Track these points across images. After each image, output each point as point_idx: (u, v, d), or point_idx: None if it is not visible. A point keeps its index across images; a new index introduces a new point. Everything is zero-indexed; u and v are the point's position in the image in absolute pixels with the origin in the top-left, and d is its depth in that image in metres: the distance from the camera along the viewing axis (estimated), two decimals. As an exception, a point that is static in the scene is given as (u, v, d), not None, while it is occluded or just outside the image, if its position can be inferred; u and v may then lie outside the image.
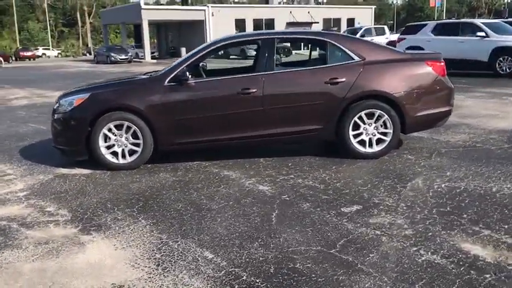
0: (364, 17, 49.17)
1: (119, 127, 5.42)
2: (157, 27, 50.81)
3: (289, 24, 43.06)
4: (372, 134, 5.49)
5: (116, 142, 5.46)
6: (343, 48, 5.52)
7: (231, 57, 35.37)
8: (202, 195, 4.51)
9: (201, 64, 6.68)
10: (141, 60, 40.93)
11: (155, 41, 55.06)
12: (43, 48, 70.70)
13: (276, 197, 4.37)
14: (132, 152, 5.51)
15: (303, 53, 36.09)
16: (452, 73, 15.85)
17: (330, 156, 5.68)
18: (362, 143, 5.51)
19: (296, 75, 5.52)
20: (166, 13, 41.54)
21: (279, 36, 5.73)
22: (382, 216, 3.80)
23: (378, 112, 5.41)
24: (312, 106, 5.40)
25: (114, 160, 5.50)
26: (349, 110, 5.39)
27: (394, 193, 4.33)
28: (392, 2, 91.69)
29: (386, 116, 5.41)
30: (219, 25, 40.32)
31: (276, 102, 5.38)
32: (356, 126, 5.47)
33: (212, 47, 5.62)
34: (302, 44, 37.82)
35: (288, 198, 4.31)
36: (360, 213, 3.88)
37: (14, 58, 55.72)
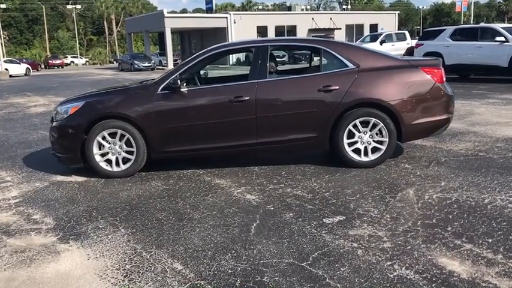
0: (388, 22, 48.64)
1: (112, 135, 5.46)
2: (181, 35, 51.38)
3: (311, 31, 42.94)
4: (367, 143, 5.38)
5: (110, 150, 5.49)
6: (337, 55, 5.43)
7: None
8: (188, 204, 4.48)
9: (202, 72, 6.76)
10: (164, 67, 41.40)
11: (179, 48, 55.70)
12: (71, 56, 72.41)
13: (260, 206, 4.30)
14: (126, 160, 5.53)
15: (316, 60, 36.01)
16: (472, 79, 15.62)
17: (326, 165, 5.58)
18: (357, 151, 5.40)
19: (289, 83, 5.46)
20: (188, 21, 41.98)
21: (272, 44, 5.68)
22: (363, 228, 3.69)
23: (373, 120, 5.29)
24: (305, 114, 5.32)
25: (108, 168, 5.53)
26: (344, 118, 5.30)
27: (382, 204, 4.21)
28: (418, 7, 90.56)
29: (381, 124, 5.29)
30: (241, 32, 40.49)
31: (268, 110, 5.32)
32: (351, 135, 5.36)
33: (205, 55, 5.60)
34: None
35: (272, 208, 4.23)
36: (341, 225, 3.78)
37: (43, 66, 57.19)
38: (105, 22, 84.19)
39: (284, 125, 5.37)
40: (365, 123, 5.34)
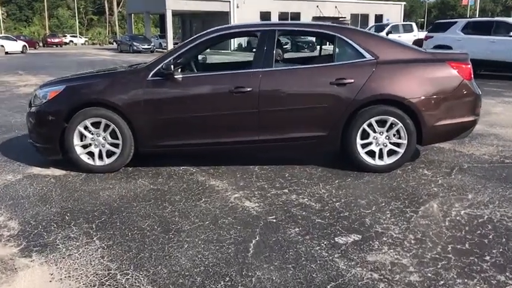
0: (393, 13, 47.71)
1: (96, 125, 4.83)
2: (182, 18, 50.38)
3: (315, 18, 42.02)
4: (383, 145, 4.76)
5: (92, 141, 4.87)
6: (354, 45, 4.78)
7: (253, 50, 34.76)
8: (177, 210, 3.86)
9: (200, 57, 6.11)
10: (163, 50, 40.53)
11: (180, 31, 54.69)
12: (71, 36, 71.20)
13: (261, 217, 3.69)
14: (110, 154, 4.91)
15: (329, 48, 35.23)
16: (483, 75, 14.92)
17: (335, 167, 4.97)
18: (371, 154, 4.79)
19: (297, 74, 4.82)
20: (190, 3, 40.98)
21: (280, 29, 5.01)
22: (383, 252, 3.08)
23: (390, 119, 4.67)
24: (315, 110, 4.69)
25: (90, 161, 4.91)
26: (358, 116, 4.67)
27: (402, 220, 3.61)
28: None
29: (400, 125, 4.67)
30: (243, 17, 39.56)
31: (273, 103, 4.69)
32: (365, 135, 4.74)
33: (203, 38, 4.95)
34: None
35: (274, 220, 3.62)
36: (357, 246, 3.17)
37: (41, 44, 56.12)
38: (105, 1, 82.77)
39: (290, 122, 4.74)
40: (381, 123, 4.72)
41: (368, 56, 4.73)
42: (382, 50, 4.78)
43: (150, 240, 3.31)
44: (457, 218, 3.64)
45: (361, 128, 4.70)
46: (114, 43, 62.93)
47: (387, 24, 27.94)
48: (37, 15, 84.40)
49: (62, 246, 3.23)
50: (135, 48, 37.79)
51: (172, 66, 4.63)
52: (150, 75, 4.77)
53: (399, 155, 4.77)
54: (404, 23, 29.63)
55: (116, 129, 4.79)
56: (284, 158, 5.33)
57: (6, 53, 35.15)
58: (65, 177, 4.81)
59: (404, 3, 51.53)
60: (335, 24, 5.17)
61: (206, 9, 41.20)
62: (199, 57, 6.12)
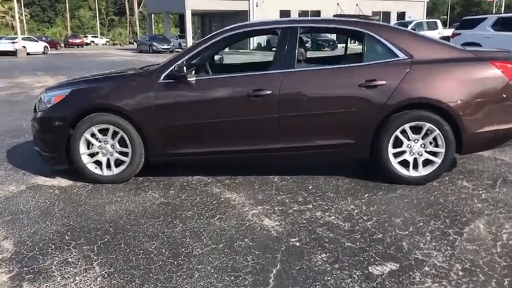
0: (416, 10, 46.67)
1: (103, 132, 4.46)
2: (202, 17, 50.17)
3: (336, 16, 41.26)
4: (418, 154, 4.28)
5: (100, 150, 4.50)
6: (385, 42, 4.31)
7: (273, 49, 34.27)
8: (188, 230, 3.45)
9: (217, 57, 5.71)
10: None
11: (200, 31, 54.54)
12: (92, 36, 71.79)
13: (282, 239, 3.26)
14: (119, 163, 4.54)
15: (352, 47, 34.48)
16: None
17: (364, 178, 4.50)
18: (404, 164, 4.31)
19: (322, 75, 4.36)
20: (209, 2, 40.72)
21: (303, 25, 4.56)
22: None
23: (427, 126, 4.19)
24: (342, 115, 4.24)
25: (97, 171, 4.55)
26: (390, 122, 4.21)
27: (446, 244, 3.14)
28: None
29: (437, 131, 4.18)
30: (263, 16, 39.13)
31: (295, 108, 4.26)
32: (397, 143, 4.27)
33: (219, 37, 4.53)
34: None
35: (298, 244, 3.19)
36: (396, 278, 2.72)
37: (63, 45, 56.64)
38: (126, 2, 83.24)
39: (313, 128, 4.30)
40: (416, 129, 4.24)
41: (401, 55, 4.26)
42: (416, 48, 4.30)
43: (156, 267, 2.91)
44: (510, 242, 3.15)
45: (394, 135, 4.23)
46: (134, 43, 63.24)
47: (410, 22, 27.17)
48: (59, 16, 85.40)
49: (57, 274, 2.86)
50: (154, 48, 37.68)
51: (185, 68, 4.23)
52: (162, 78, 4.38)
53: (436, 166, 4.28)
54: (429, 20, 28.83)
55: (125, 137, 4.42)
56: (307, 167, 4.89)
57: (28, 53, 35.39)
58: (70, 188, 4.46)
59: (428, 0, 50.40)
60: (363, 20, 4.70)
61: (225, 9, 40.87)
62: (216, 57, 5.74)
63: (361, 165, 4.81)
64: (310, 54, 18.52)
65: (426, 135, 4.24)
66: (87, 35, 72.23)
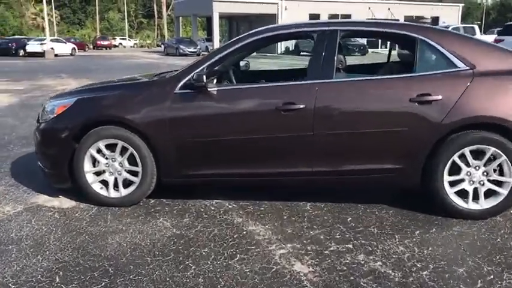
0: (450, 15, 45.27)
1: (111, 148, 3.90)
2: (229, 21, 49.85)
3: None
4: (479, 183, 3.58)
5: (106, 168, 3.95)
6: (442, 50, 3.62)
7: (301, 53, 33.56)
8: (202, 274, 2.84)
9: (242, 63, 5.13)
10: (209, 53, 40.05)
11: (227, 34, 54.24)
12: (120, 38, 72.33)
13: (317, 293, 2.61)
14: (127, 183, 3.97)
15: (382, 52, 33.44)
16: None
17: (411, 208, 3.82)
18: (462, 194, 3.62)
19: (366, 87, 3.70)
20: (237, 6, 40.31)
21: (344, 28, 3.90)
22: None
23: (491, 150, 3.49)
24: (388, 135, 3.58)
25: (103, 192, 3.99)
26: (446, 144, 3.52)
27: (529, 310, 2.44)
28: (481, 0, 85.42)
29: (504, 157, 3.48)
30: (291, 20, 38.47)
31: (332, 125, 3.61)
32: (455, 169, 3.58)
33: (244, 42, 3.91)
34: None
35: (337, 301, 2.54)
36: None
37: (91, 47, 57.09)
38: (155, 5, 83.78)
39: (354, 150, 3.65)
40: (478, 154, 3.54)
41: (461, 65, 3.57)
42: (480, 57, 3.60)
43: (158, 330, 2.30)
44: None
45: (451, 160, 3.54)
46: (162, 46, 63.42)
47: (446, 27, 26.12)
48: (89, 19, 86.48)
49: (35, 334, 2.28)
50: (181, 51, 37.44)
51: (204, 77, 3.63)
52: (178, 88, 3.79)
53: (501, 198, 3.57)
54: (465, 25, 27.70)
55: (135, 154, 3.85)
56: (344, 193, 4.22)
57: (56, 55, 35.57)
58: (72, 211, 3.91)
59: (463, 4, 48.92)
60: (416, 24, 4.01)
61: (253, 12, 40.41)
62: (241, 63, 5.14)
63: (408, 193, 4.11)
64: (349, 60, 17.76)
65: (489, 161, 3.55)
66: (116, 37, 72.81)
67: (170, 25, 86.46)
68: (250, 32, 4.03)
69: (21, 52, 35.85)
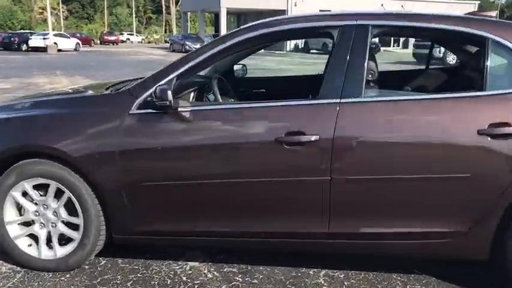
0: (464, 13, 43.70)
1: (42, 189, 2.74)
2: (238, 17, 48.60)
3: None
4: None
5: (36, 217, 2.78)
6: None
7: (311, 51, 32.23)
8: None
9: (238, 68, 4.00)
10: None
11: (235, 30, 52.82)
12: (128, 34, 71.33)
13: None
14: (65, 239, 2.80)
15: (395, 51, 31.84)
16: None
17: (475, 286, 2.62)
18: (555, 274, 2.41)
19: (412, 111, 2.47)
20: (245, 1, 39.06)
21: (379, 23, 2.65)
22: None
23: None
24: (444, 183, 2.38)
25: (32, 251, 2.83)
26: (533, 201, 2.31)
27: None
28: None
29: None
30: (301, 16, 37.13)
31: (361, 167, 2.42)
32: (544, 237, 2.37)
33: (232, 41, 2.65)
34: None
35: None
36: None
37: (98, 42, 56.16)
38: (163, 0, 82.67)
39: (392, 203, 2.46)
40: None
41: (557, 81, 2.35)
42: None
43: None
44: None
45: (539, 224, 2.34)
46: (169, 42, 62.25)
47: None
48: (98, 13, 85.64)
49: None
50: (187, 47, 36.24)
51: (169, 93, 2.43)
52: (135, 106, 2.61)
53: None
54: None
55: (74, 199, 2.68)
56: (369, 259, 3.01)
57: (59, 50, 34.57)
58: (-14, 278, 2.75)
59: (479, 2, 47.32)
60: (478, 17, 2.77)
61: (261, 7, 39.12)
62: (236, 67, 3.98)
63: (464, 265, 2.89)
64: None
65: None
66: (123, 32, 71.85)
67: (179, 21, 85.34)
68: (242, 27, 2.82)
69: (24, 47, 34.94)
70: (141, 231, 2.71)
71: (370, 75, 2.67)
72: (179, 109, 2.56)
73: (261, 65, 18.51)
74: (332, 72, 2.55)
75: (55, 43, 34.66)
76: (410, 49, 22.93)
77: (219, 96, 2.93)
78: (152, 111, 2.57)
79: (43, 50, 33.31)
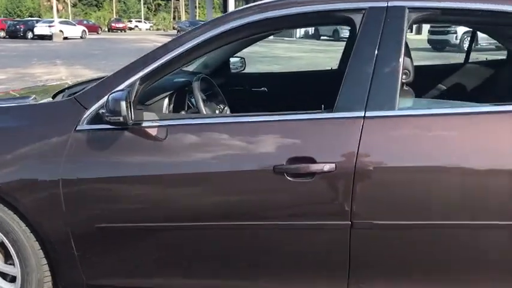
0: None
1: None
2: (246, 2, 47.65)
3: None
4: None
5: (-41, 265, 2.12)
6: None
7: (322, 37, 31.24)
8: None
9: (235, 61, 3.34)
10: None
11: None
12: (136, 21, 70.60)
13: None
14: (-1, 294, 2.15)
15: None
16: None
17: None
18: None
19: (472, 129, 1.75)
20: (255, -14, 38.08)
21: (420, 5, 1.86)
22: None
23: None
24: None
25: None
26: None
27: None
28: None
29: None
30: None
31: (396, 209, 1.71)
32: None
33: (213, 32, 1.92)
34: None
35: None
36: None
37: (106, 29, 55.58)
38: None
39: (441, 261, 1.76)
40: None
41: None
42: None
43: None
44: None
45: None
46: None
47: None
48: (107, 0, 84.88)
49: None
50: (194, 34, 35.55)
51: (123, 104, 1.72)
52: (84, 120, 1.92)
53: None
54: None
55: (8, 244, 2.01)
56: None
57: (65, 38, 33.99)
58: None
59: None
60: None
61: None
62: (232, 61, 3.28)
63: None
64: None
65: None
66: (131, 19, 71.16)
67: (187, 7, 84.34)
68: (233, 11, 2.10)
69: (30, 35, 34.42)
70: (97, 285, 2.03)
71: (404, 75, 1.94)
72: (144, 124, 1.86)
73: (270, 52, 17.72)
74: (353, 73, 1.82)
75: (61, 31, 34.09)
76: (424, 35, 21.88)
77: (200, 104, 2.20)
78: (107, 126, 1.87)
79: (49, 37, 32.78)
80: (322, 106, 1.83)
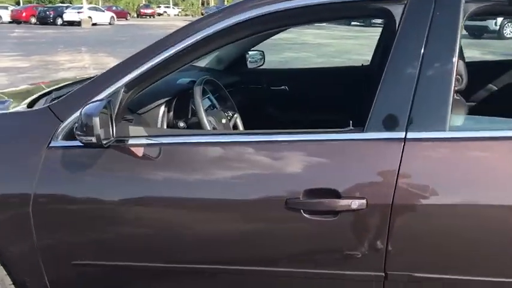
0: None
1: None
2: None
3: None
4: None
5: None
6: None
7: (352, 23, 30.33)
8: None
9: (253, 54, 3.00)
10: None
11: None
12: (165, 6, 70.57)
13: None
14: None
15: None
16: None
17: None
18: None
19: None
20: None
21: None
22: None
23: None
24: None
25: None
26: None
27: None
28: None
29: None
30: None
31: (445, 259, 1.31)
32: None
33: (236, 19, 1.52)
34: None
35: None
36: None
37: (135, 15, 55.76)
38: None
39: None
40: None
41: None
42: None
43: None
44: None
45: None
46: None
47: None
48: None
49: None
50: (222, 20, 35.18)
51: (96, 121, 1.36)
52: (59, 135, 1.57)
53: None
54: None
55: (-26, 277, 1.69)
56: None
57: (94, 24, 34.08)
58: None
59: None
60: None
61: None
62: (250, 54, 2.92)
63: None
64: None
65: None
66: (160, 5, 71.13)
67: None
68: (236, 2, 1.70)
69: (59, 21, 34.64)
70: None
71: (456, 83, 1.52)
72: (130, 141, 1.51)
73: (299, 39, 17.16)
74: (391, 80, 1.41)
75: (89, 17, 34.19)
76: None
77: (202, 115, 1.81)
78: (78, 145, 1.52)
79: (77, 24, 32.92)
80: (350, 122, 1.43)
